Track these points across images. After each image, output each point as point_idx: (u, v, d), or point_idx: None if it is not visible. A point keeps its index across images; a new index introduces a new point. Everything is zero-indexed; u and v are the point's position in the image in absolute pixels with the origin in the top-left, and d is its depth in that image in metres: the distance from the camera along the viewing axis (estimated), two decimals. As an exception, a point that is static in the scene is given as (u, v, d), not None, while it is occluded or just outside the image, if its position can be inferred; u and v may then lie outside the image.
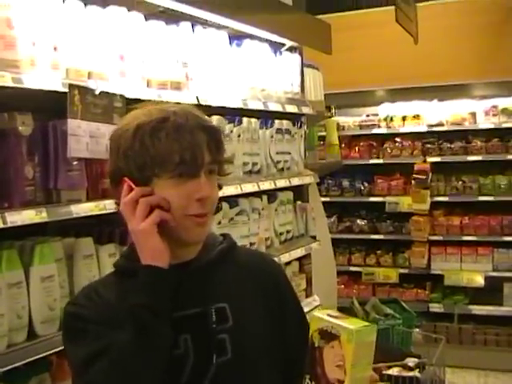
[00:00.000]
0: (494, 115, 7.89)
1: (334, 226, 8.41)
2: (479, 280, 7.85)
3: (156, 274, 1.75)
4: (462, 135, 8.07)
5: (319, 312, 1.89)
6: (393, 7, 6.09)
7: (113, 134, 1.87)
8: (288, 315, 2.03)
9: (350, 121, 8.54)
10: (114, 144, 1.85)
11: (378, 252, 8.37)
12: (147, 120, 1.79)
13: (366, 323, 1.79)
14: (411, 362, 4.84)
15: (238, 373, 1.86)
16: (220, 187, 1.93)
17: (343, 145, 8.45)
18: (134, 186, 1.78)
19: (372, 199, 8.34)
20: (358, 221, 8.45)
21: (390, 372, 4.71)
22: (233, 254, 2.00)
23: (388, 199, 8.20)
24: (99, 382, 1.71)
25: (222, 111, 3.76)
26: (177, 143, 1.75)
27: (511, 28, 7.60)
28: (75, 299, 1.97)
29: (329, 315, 1.84)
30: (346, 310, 6.24)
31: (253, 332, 1.91)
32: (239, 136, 3.92)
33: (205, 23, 3.79)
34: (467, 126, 7.99)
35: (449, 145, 8.06)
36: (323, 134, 7.72)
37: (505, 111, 7.84)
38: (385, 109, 8.38)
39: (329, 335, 1.79)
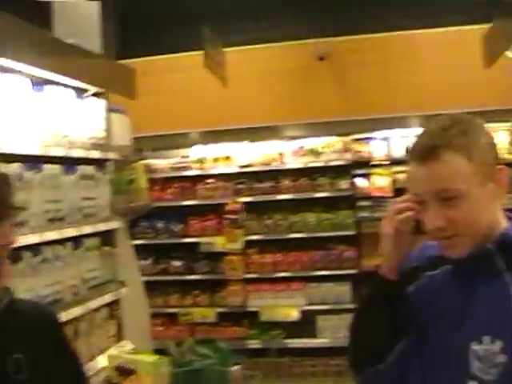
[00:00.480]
0: (302, 155, 8.20)
1: (149, 268, 8.39)
2: (294, 314, 8.08)
3: None
4: (271, 175, 8.32)
5: (114, 350, 1.93)
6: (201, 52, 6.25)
7: None
8: (63, 362, 2.10)
9: (162, 163, 8.59)
10: None
11: (195, 292, 8.41)
12: None
13: (159, 356, 1.85)
14: (226, 399, 4.92)
15: None
16: None
17: (157, 187, 8.47)
18: None
19: (187, 240, 8.40)
20: (174, 262, 8.47)
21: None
22: (17, 307, 2.02)
23: (202, 239, 8.29)
24: None
25: (22, 158, 3.71)
26: None
27: (317, 73, 7.97)
28: None
29: (124, 352, 1.88)
30: (162, 353, 6.26)
31: (48, 380, 1.96)
32: (40, 183, 3.86)
33: (5, 68, 3.72)
34: (276, 165, 8.25)
35: (259, 185, 8.28)
36: (133, 177, 7.72)
37: (311, 151, 8.17)
38: (197, 151, 8.50)
39: (126, 371, 1.83)
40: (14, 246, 1.94)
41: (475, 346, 1.81)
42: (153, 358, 1.84)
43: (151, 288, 8.06)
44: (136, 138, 6.32)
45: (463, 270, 1.90)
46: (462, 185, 1.78)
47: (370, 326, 1.98)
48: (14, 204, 1.88)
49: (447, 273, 1.95)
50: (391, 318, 1.93)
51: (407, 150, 1.90)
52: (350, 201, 8.15)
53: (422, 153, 1.80)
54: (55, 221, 4.03)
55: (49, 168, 4.01)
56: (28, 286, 3.41)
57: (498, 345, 1.78)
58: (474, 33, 6.24)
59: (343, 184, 8.13)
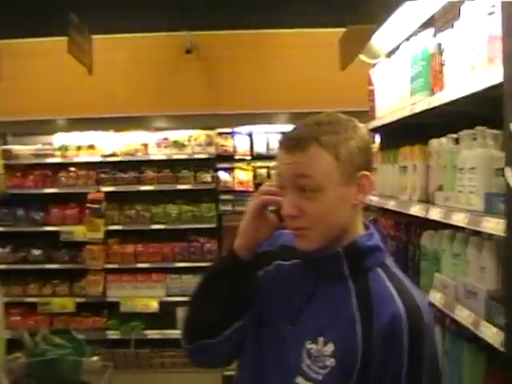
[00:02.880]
0: (166, 147, 8.23)
1: (8, 256, 8.21)
2: (154, 305, 8.12)
3: None
4: (135, 166, 8.31)
5: None
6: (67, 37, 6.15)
7: None
8: None
9: (24, 149, 8.41)
10: None
11: (54, 282, 8.28)
12: None
13: None
14: (78, 390, 4.91)
15: None
16: None
17: (18, 173, 8.30)
18: None
19: (47, 228, 8.25)
20: (33, 250, 8.30)
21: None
22: None
23: (63, 228, 8.17)
24: None
25: None
26: None
27: (184, 65, 8.01)
28: None
29: None
30: (16, 342, 6.16)
31: None
32: None
33: None
34: (140, 156, 8.25)
35: (122, 175, 8.26)
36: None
37: (176, 143, 8.21)
38: (60, 138, 8.38)
39: None
40: None
41: (310, 345, 1.88)
42: None
43: (9, 277, 7.92)
44: (-3, 122, 6.19)
45: (311, 268, 1.97)
46: (321, 179, 1.84)
47: (211, 298, 2.01)
48: None
49: (297, 266, 2.02)
50: (234, 295, 1.97)
51: (280, 139, 1.96)
52: (212, 194, 8.25)
53: (291, 142, 1.88)
54: None
55: None
56: None
57: (330, 347, 1.85)
58: (333, 35, 6.41)
59: (206, 177, 8.21)
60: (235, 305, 2.00)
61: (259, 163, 8.31)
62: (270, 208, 1.99)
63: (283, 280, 2.03)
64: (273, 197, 1.95)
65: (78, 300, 8.21)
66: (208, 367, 2.30)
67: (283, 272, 2.05)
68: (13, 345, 6.51)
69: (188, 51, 7.97)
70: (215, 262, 2.10)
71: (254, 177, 8.28)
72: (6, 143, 8.55)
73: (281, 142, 1.93)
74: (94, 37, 7.00)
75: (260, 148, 8.31)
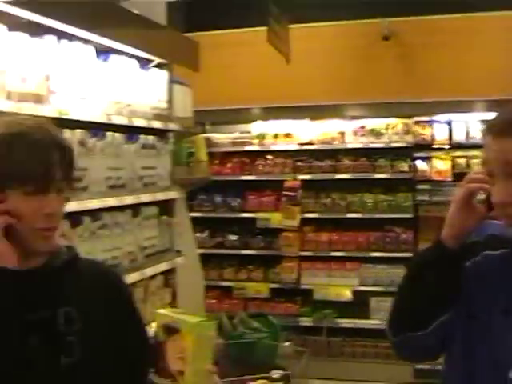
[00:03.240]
0: (363, 135, 8.16)
1: (206, 241, 8.47)
2: (347, 294, 8.08)
3: (3, 274, 1.82)
4: (331, 154, 8.29)
5: (164, 309, 1.96)
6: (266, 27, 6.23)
7: None
8: (127, 320, 2.13)
9: (223, 137, 8.63)
10: None
11: (250, 267, 8.46)
12: (4, 133, 1.84)
13: (206, 318, 1.88)
14: (276, 374, 4.95)
15: (85, 373, 1.93)
16: (67, 200, 1.99)
17: (216, 161, 8.53)
18: None
19: (243, 215, 8.44)
20: (230, 236, 8.52)
21: (254, 384, 4.82)
22: (77, 264, 2.07)
23: (259, 215, 8.32)
24: None
25: (86, 125, 3.78)
26: (31, 159, 1.81)
27: (380, 52, 7.88)
28: None
29: (173, 312, 1.92)
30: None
31: (98, 334, 1.99)
32: (103, 150, 3.94)
33: (71, 37, 3.79)
34: (336, 145, 8.23)
35: (319, 163, 8.27)
36: (193, 150, 7.76)
37: (372, 131, 8.12)
38: (257, 126, 8.53)
39: (171, 329, 1.88)
40: (66, 213, 1.97)
41: None
42: (197, 319, 1.86)
43: (206, 261, 8.14)
44: (197, 112, 6.36)
45: None
46: None
47: (417, 290, 1.95)
48: (67, 175, 1.91)
49: (507, 256, 1.93)
50: (441, 285, 1.90)
51: (485, 126, 1.88)
52: (409, 183, 8.08)
53: (500, 126, 1.80)
54: (115, 188, 4.11)
55: (111, 136, 4.08)
56: (86, 250, 3.47)
57: None
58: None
59: (403, 166, 8.04)
60: (442, 296, 1.92)
61: (458, 152, 8.03)
62: (477, 197, 1.88)
63: (492, 271, 1.94)
64: (480, 184, 1.85)
65: (272, 286, 8.32)
66: (412, 361, 2.24)
67: (492, 262, 1.95)
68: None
69: (385, 38, 7.83)
70: (421, 252, 2.02)
71: (453, 166, 8.01)
72: (204, 132, 8.80)
73: (488, 128, 1.84)
74: (291, 26, 7.04)
75: (459, 137, 8.03)
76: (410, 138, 8.06)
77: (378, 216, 8.08)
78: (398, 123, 8.11)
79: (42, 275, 1.94)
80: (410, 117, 8.10)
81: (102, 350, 1.99)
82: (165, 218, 4.84)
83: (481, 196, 1.87)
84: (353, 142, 8.18)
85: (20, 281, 1.85)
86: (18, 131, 1.84)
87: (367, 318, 8.03)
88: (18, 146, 1.82)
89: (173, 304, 4.88)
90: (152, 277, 4.56)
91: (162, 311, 1.97)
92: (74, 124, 3.63)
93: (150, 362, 1.97)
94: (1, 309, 1.78)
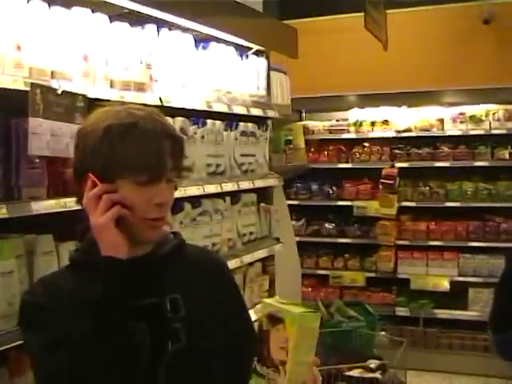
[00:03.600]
0: (462, 122, 7.98)
1: (302, 229, 8.47)
2: (445, 284, 7.94)
3: (115, 264, 1.83)
4: (429, 141, 8.15)
5: (269, 299, 1.97)
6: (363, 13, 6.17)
7: (80, 131, 1.95)
8: (232, 307, 2.16)
9: (319, 125, 8.60)
10: (80, 141, 1.92)
11: (346, 256, 8.42)
12: (116, 123, 1.86)
13: (311, 310, 1.88)
14: (373, 363, 4.92)
15: (192, 359, 1.96)
16: (175, 188, 2.01)
17: (313, 149, 8.51)
18: (98, 182, 1.86)
19: (340, 203, 8.40)
20: (327, 224, 8.50)
21: (351, 373, 4.80)
22: (183, 250, 2.10)
23: (356, 203, 8.26)
24: (60, 370, 1.76)
25: (186, 113, 3.82)
26: (143, 149, 1.83)
27: (480, 37, 7.70)
28: (32, 289, 2.08)
29: (278, 301, 1.92)
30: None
31: (203, 321, 2.02)
32: (203, 138, 3.98)
33: (171, 26, 3.83)
34: (435, 132, 8.08)
35: (417, 150, 8.15)
36: (291, 137, 7.76)
37: (472, 118, 7.93)
38: (354, 114, 8.45)
39: (275, 319, 1.88)
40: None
41: None
42: (301, 310, 1.86)
43: (303, 249, 8.14)
44: (294, 99, 6.36)
45: None
46: None
47: None
48: (178, 164, 1.92)
49: None
50: None
51: None
52: (510, 171, 7.86)
53: None
54: (215, 175, 4.15)
55: (211, 123, 4.11)
56: (186, 237, 3.52)
57: None
58: None
59: (504, 154, 7.83)
60: None
61: None
62: None
63: None
64: None
65: (369, 275, 8.27)
66: None
67: None
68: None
69: (485, 21, 7.63)
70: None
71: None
72: (301, 119, 8.79)
73: None
74: (389, 11, 6.95)
75: None
76: (511, 125, 7.82)
77: (477, 205, 7.90)
78: (498, 109, 7.88)
79: (149, 263, 1.97)
80: (510, 103, 7.86)
81: (206, 336, 2.01)
82: (263, 205, 4.85)
83: None
84: (452, 129, 8.02)
85: (128, 269, 1.87)
86: (129, 121, 1.86)
87: (465, 309, 7.88)
88: (131, 137, 1.84)
89: (271, 291, 4.90)
90: (250, 264, 4.58)
91: (267, 300, 1.98)
92: (174, 112, 3.67)
93: (255, 350, 1.98)
94: (110, 297, 1.80)
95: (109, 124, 1.86)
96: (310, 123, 8.62)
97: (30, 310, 1.90)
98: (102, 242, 1.85)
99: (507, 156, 7.83)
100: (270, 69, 5.05)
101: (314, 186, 8.54)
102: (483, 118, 7.91)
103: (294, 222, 8.02)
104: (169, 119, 3.12)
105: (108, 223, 1.83)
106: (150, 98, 3.37)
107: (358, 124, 8.35)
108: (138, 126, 1.85)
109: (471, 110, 8.00)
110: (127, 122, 1.85)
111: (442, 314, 7.99)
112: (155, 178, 1.86)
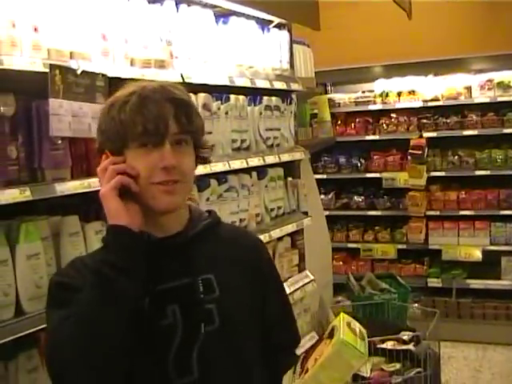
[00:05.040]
0: (490, 89, 7.86)
1: (331, 203, 8.46)
2: (477, 254, 7.88)
3: (116, 231, 1.83)
4: (457, 110, 8.04)
5: (347, 316, 1.96)
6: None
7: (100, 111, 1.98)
8: (268, 289, 2.13)
9: (345, 97, 8.52)
10: (98, 121, 1.97)
11: (376, 228, 8.39)
12: (118, 95, 1.90)
13: (360, 347, 1.84)
14: (406, 335, 4.91)
15: (225, 341, 1.94)
16: (205, 161, 1.99)
17: (339, 121, 8.46)
18: (110, 155, 1.89)
19: (369, 175, 8.35)
20: (356, 197, 8.46)
21: (384, 346, 4.79)
22: (218, 229, 2.09)
23: (385, 175, 8.20)
24: (65, 339, 1.75)
25: (209, 89, 3.80)
26: (140, 114, 1.84)
27: (508, 2, 7.57)
28: (62, 270, 2.10)
29: (348, 322, 1.91)
30: (342, 286, 6.31)
31: (237, 302, 1.99)
32: (227, 113, 3.94)
33: (190, 1, 3.80)
34: (462, 100, 7.96)
35: (444, 120, 8.04)
36: (316, 111, 7.70)
37: (500, 85, 7.80)
38: (380, 85, 8.35)
39: (331, 333, 1.87)
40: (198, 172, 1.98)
41: None
42: (353, 340, 1.83)
43: (332, 223, 8.12)
44: (319, 72, 6.30)
45: None
46: None
47: None
48: (184, 128, 1.90)
49: None
50: None
51: None
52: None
53: None
54: (240, 150, 4.13)
55: (234, 98, 4.08)
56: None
57: None
58: None
59: (534, 119, 7.73)
60: None
61: None
62: None
63: None
64: None
65: (399, 247, 8.22)
66: None
67: None
68: (336, 288, 6.71)
69: (513, -13, 7.51)
70: None
71: None
72: (326, 92, 8.73)
73: None
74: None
75: None
76: (540, 90, 7.70)
77: (508, 173, 7.79)
78: (527, 75, 7.76)
79: (180, 243, 1.96)
80: (540, 68, 7.74)
81: (241, 318, 1.99)
82: (290, 179, 4.82)
83: None
84: (479, 97, 7.89)
85: (159, 248, 1.89)
86: (130, 91, 1.88)
87: (498, 278, 7.83)
88: (129, 104, 1.85)
89: (300, 266, 4.88)
90: (279, 239, 4.56)
91: (343, 315, 1.97)
92: (197, 88, 3.64)
93: (295, 337, 1.98)
94: (107, 262, 1.78)
95: (112, 99, 1.92)
96: (336, 96, 8.56)
97: (56, 290, 1.91)
98: (106, 211, 1.85)
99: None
100: (292, 42, 4.99)
101: (342, 159, 8.48)
102: (511, 84, 7.77)
103: (322, 196, 8.00)
104: (192, 95, 3.12)
105: (108, 193, 1.83)
106: (172, 75, 3.34)
107: (385, 95, 8.26)
108: (135, 94, 1.86)
109: (499, 76, 7.86)
110: (128, 93, 1.88)
111: (475, 283, 7.94)
112: (156, 142, 1.85)
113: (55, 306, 1.87)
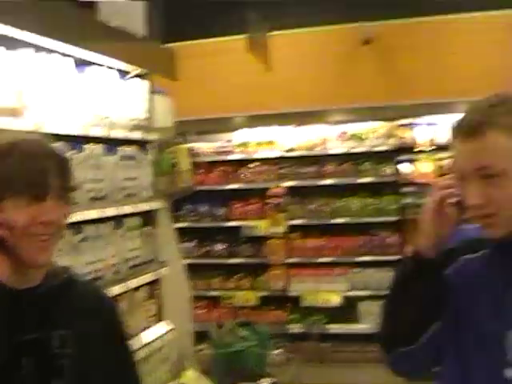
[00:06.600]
0: (345, 140, 8.15)
1: (193, 251, 8.46)
2: (336, 299, 8.06)
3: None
4: (315, 160, 8.28)
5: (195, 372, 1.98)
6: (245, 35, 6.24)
7: None
8: (118, 348, 2.16)
9: (206, 147, 8.62)
10: None
11: (237, 276, 8.45)
12: None
13: None
14: (265, 381, 4.95)
15: None
16: (66, 215, 1.99)
17: (201, 170, 8.51)
18: None
19: (229, 224, 8.43)
20: (217, 245, 8.51)
21: (244, 392, 4.81)
22: (74, 285, 2.08)
23: (245, 223, 8.30)
24: None
25: (66, 138, 3.76)
26: (24, 168, 1.83)
27: (362, 57, 7.91)
28: None
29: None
30: (205, 334, 6.29)
31: (91, 359, 1.99)
32: (81, 163, 3.92)
33: (49, 50, 3.77)
34: (320, 150, 8.22)
35: (303, 169, 8.26)
36: (175, 160, 7.70)
37: (355, 136, 8.12)
38: (240, 135, 8.51)
39: None
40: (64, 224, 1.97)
41: None
42: None
43: (194, 271, 8.10)
44: (180, 122, 6.34)
45: (503, 256, 1.87)
46: (505, 164, 1.75)
47: (402, 303, 1.93)
48: (64, 183, 1.90)
49: (486, 257, 1.92)
50: (425, 296, 1.89)
51: (453, 128, 1.86)
52: (393, 187, 8.07)
53: (468, 129, 1.78)
54: (96, 200, 4.09)
55: (90, 148, 4.06)
56: (67, 264, 3.46)
57: None
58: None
59: (387, 170, 8.06)
60: (428, 306, 1.91)
61: (441, 154, 8.04)
62: (448, 201, 1.87)
63: (474, 274, 1.93)
64: (450, 190, 1.84)
65: (261, 294, 8.30)
66: (410, 377, 2.18)
67: (472, 265, 1.94)
68: (198, 337, 6.68)
69: (365, 42, 7.86)
70: (400, 266, 2.00)
71: (437, 168, 8.00)
72: (188, 142, 8.77)
73: (457, 129, 1.82)
74: (271, 33, 7.04)
75: (442, 138, 8.03)
76: (392, 141, 8.06)
77: (363, 220, 8.07)
78: (379, 127, 8.11)
79: (39, 295, 1.94)
80: (392, 120, 8.10)
81: (93, 375, 1.99)
82: (148, 228, 4.81)
83: (452, 200, 1.86)
84: (336, 147, 8.17)
85: (16, 299, 1.86)
86: (9, 144, 1.87)
87: (357, 322, 8.03)
88: (11, 158, 1.83)
89: (159, 315, 4.85)
90: (136, 288, 4.53)
91: (192, 372, 2.00)
92: (53, 138, 3.60)
93: None
94: None
95: None
96: (196, 145, 8.63)
97: None
98: None
99: (390, 172, 8.05)
100: (152, 92, 5.03)
101: (204, 208, 8.54)
102: (366, 135, 8.10)
103: (185, 244, 7.99)
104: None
105: None
106: (24, 124, 3.30)
107: (244, 145, 8.41)
108: (19, 147, 1.86)
109: (354, 128, 8.18)
110: (7, 145, 1.87)
111: (335, 328, 8.10)
112: (38, 197, 1.84)
113: None
